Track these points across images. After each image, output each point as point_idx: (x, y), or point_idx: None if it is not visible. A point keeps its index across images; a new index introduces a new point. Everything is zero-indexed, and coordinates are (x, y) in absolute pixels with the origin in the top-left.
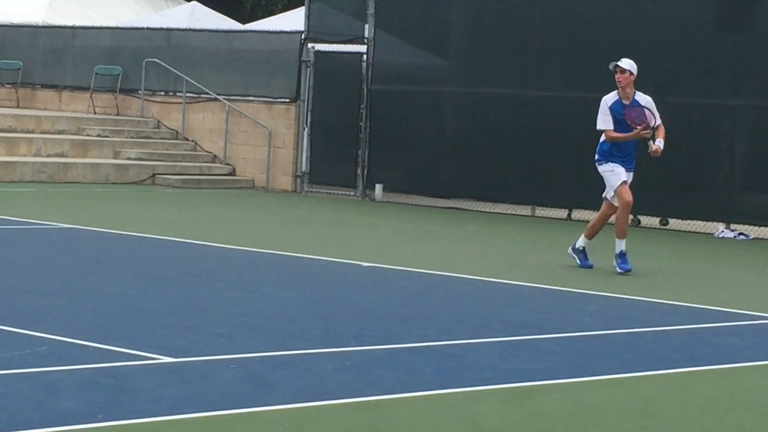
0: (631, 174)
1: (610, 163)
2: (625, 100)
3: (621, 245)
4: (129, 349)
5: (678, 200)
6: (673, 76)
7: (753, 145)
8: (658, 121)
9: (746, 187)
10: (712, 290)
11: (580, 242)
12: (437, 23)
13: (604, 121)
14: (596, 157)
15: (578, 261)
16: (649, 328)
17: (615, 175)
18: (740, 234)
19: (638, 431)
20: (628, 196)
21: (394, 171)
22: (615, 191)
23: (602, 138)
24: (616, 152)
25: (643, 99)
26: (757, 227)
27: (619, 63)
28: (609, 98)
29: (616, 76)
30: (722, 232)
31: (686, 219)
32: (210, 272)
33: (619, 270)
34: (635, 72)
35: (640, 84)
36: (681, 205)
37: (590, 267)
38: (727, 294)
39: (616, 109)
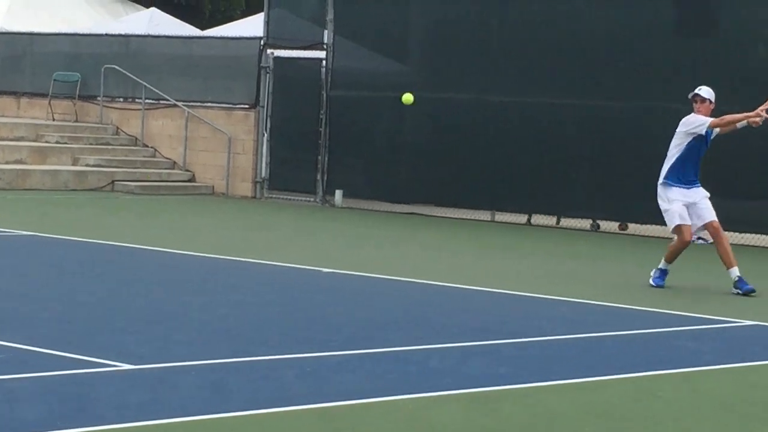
0: (698, 190)
1: (672, 190)
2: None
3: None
4: (90, 356)
5: (637, 205)
6: (632, 80)
7: (711, 149)
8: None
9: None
10: (672, 294)
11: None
12: (396, 29)
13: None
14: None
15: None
16: (609, 332)
17: (670, 215)
18: (699, 238)
19: None
20: (688, 235)
21: (354, 177)
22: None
23: (670, 160)
24: (681, 172)
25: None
26: None
27: (698, 92)
28: (696, 120)
29: (697, 106)
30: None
31: (645, 224)
32: (170, 279)
33: (652, 283)
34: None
35: (605, 85)
36: (640, 210)
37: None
38: (686, 298)
39: (707, 133)
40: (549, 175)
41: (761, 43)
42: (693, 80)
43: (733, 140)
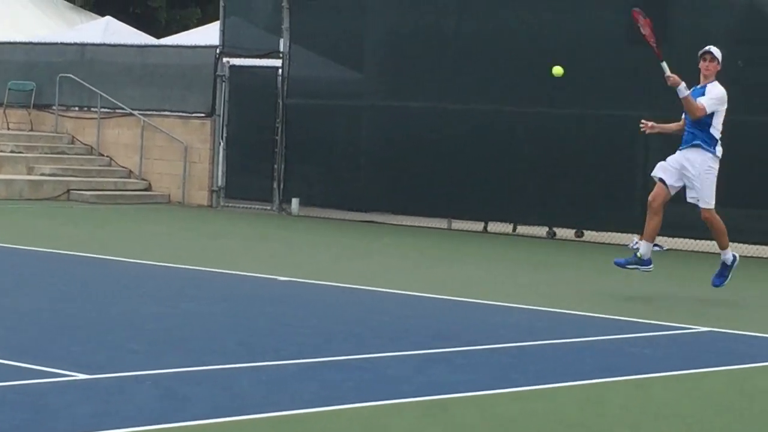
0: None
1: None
2: (699, 86)
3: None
4: (44, 366)
5: (593, 212)
6: (587, 88)
7: (667, 156)
8: (704, 102)
9: None
10: (627, 301)
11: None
12: (352, 37)
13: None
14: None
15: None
16: (564, 339)
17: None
18: (655, 245)
19: None
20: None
21: (311, 185)
22: None
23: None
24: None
25: (712, 86)
26: (671, 238)
27: (712, 50)
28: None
29: (705, 63)
30: (636, 243)
31: (601, 230)
32: (126, 288)
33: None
34: (720, 64)
35: (560, 93)
36: (596, 217)
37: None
38: (641, 305)
39: (694, 95)
40: (505, 183)
41: None
42: (645, 88)
43: None
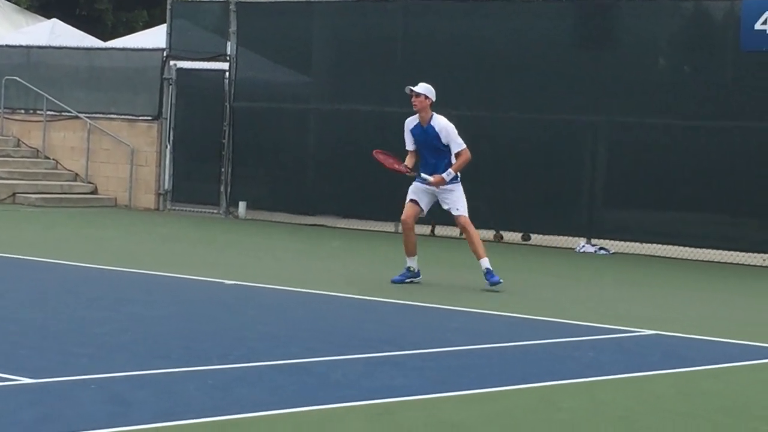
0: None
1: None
2: (423, 124)
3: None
4: None
5: (540, 215)
6: (535, 92)
7: (613, 160)
8: (457, 149)
9: (607, 203)
10: (573, 305)
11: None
12: (299, 40)
13: (407, 142)
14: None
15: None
16: (510, 342)
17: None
18: (601, 249)
19: None
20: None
21: (258, 188)
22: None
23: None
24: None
25: (439, 124)
26: (617, 242)
27: (414, 87)
28: (410, 121)
29: (412, 100)
30: (583, 246)
31: (548, 234)
32: (72, 292)
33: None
34: (431, 96)
35: (506, 98)
36: (543, 221)
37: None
38: (587, 308)
39: (415, 133)
40: None
41: (660, 56)
42: (594, 92)
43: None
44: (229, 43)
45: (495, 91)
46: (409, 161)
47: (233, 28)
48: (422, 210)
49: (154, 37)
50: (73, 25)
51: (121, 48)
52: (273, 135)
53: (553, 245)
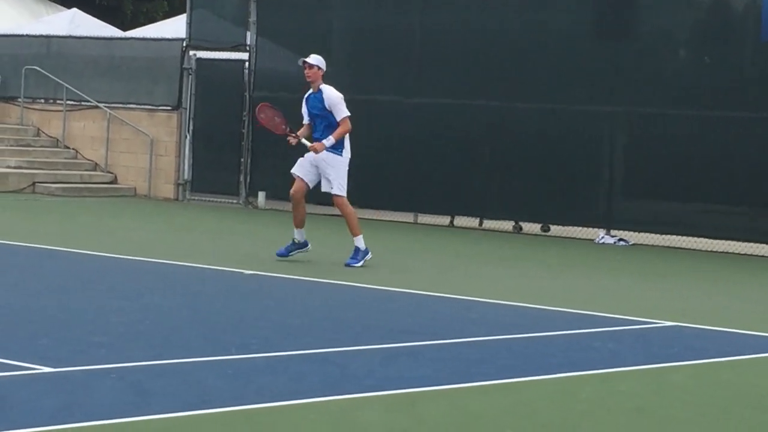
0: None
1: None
2: (315, 92)
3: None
4: (8, 359)
5: (559, 207)
6: (554, 83)
7: (632, 151)
8: (339, 116)
9: (626, 194)
10: (593, 296)
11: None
12: (319, 31)
13: (304, 115)
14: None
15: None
16: (530, 333)
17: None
18: (620, 240)
19: None
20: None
21: (277, 178)
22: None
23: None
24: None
25: (326, 91)
26: (636, 233)
27: (306, 59)
28: (307, 94)
29: (305, 71)
30: (602, 238)
31: (567, 225)
32: (91, 281)
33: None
34: (323, 67)
35: (525, 89)
36: (562, 212)
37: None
38: (607, 299)
39: (308, 102)
40: (472, 177)
41: (680, 47)
42: (614, 83)
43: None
44: (248, 33)
45: (514, 83)
46: (301, 132)
47: (253, 18)
48: (307, 184)
49: (174, 27)
50: (93, 15)
51: (140, 38)
52: (292, 125)
53: (572, 236)
